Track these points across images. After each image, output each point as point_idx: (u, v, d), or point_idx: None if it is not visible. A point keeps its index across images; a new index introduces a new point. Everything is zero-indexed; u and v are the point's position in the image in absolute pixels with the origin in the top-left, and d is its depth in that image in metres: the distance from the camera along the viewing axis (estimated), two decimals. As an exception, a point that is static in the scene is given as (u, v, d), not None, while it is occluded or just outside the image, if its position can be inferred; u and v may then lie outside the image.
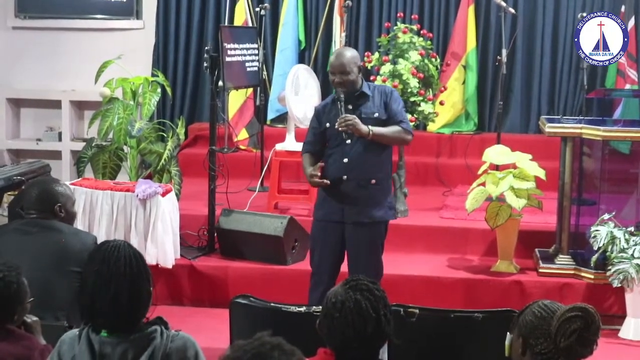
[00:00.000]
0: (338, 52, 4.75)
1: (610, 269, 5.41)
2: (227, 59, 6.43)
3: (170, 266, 5.74)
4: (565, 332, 2.50)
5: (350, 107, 4.57)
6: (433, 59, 6.84)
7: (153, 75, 7.50)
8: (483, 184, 5.77)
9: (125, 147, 6.58)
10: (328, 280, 4.58)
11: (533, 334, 2.57)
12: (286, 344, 2.11)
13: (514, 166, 5.79)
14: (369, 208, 4.59)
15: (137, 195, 5.65)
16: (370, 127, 4.49)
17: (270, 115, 8.10)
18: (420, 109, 6.59)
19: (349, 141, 4.56)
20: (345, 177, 4.58)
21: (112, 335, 2.66)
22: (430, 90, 6.78)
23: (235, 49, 6.72)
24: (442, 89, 7.36)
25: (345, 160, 4.57)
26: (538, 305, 2.61)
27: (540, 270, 5.81)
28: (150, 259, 5.59)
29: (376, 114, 4.56)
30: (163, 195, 5.71)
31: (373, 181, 4.58)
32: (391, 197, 4.80)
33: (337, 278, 4.60)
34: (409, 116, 6.48)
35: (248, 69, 7.03)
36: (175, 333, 2.73)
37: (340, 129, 4.47)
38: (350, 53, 4.64)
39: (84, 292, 2.71)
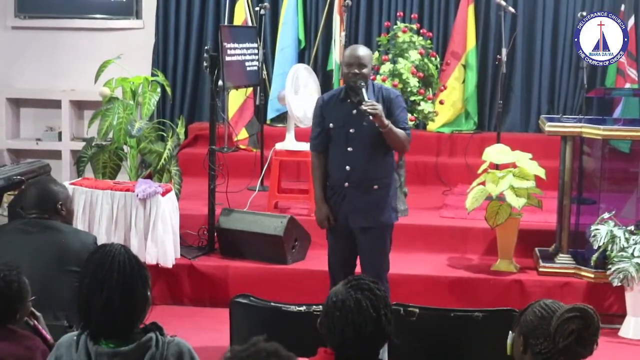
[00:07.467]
0: (354, 46, 4.72)
1: (610, 268, 5.41)
2: (227, 58, 6.43)
3: (170, 266, 5.75)
4: (564, 332, 2.50)
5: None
6: (433, 58, 6.84)
7: (153, 74, 7.50)
8: (483, 183, 5.77)
9: (125, 147, 6.58)
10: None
11: (533, 333, 2.56)
12: (283, 350, 2.06)
13: (514, 165, 5.78)
14: (372, 213, 4.57)
15: (137, 195, 5.65)
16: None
17: (270, 114, 8.09)
18: (420, 108, 6.59)
19: (350, 149, 4.53)
20: (347, 184, 4.57)
21: (109, 345, 2.63)
22: (430, 89, 6.78)
23: (235, 48, 6.72)
24: (442, 88, 7.36)
25: (348, 167, 4.56)
26: (539, 304, 2.61)
27: (540, 269, 5.81)
28: (150, 259, 5.60)
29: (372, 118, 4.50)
30: (163, 194, 5.71)
31: (375, 187, 4.57)
32: (395, 200, 4.77)
33: None
34: (408, 115, 6.50)
35: (248, 69, 7.03)
36: (171, 339, 2.69)
37: (369, 110, 4.36)
38: (367, 49, 4.65)
39: (79, 297, 2.70)
